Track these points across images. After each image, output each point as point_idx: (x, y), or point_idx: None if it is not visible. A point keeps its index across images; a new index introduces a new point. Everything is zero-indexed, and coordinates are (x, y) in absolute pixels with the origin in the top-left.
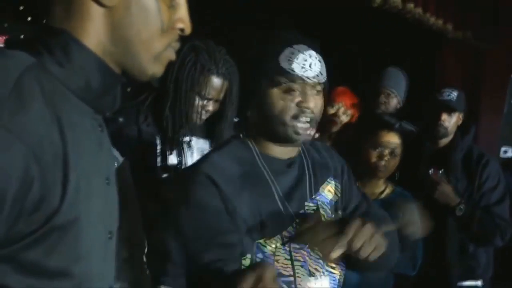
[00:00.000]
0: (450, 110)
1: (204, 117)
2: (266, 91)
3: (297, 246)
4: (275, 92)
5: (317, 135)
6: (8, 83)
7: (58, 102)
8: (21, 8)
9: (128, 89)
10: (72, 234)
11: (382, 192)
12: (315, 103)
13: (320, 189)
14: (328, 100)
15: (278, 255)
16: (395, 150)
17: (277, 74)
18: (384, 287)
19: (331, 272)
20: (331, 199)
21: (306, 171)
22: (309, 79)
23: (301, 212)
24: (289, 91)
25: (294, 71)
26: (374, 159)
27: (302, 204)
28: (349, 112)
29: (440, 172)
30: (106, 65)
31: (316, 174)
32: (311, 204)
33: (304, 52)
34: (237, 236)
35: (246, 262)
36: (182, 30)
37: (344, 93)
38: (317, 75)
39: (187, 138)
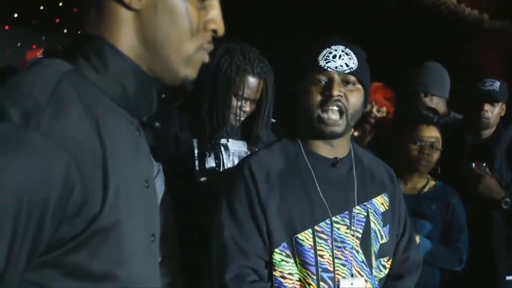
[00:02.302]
0: (493, 100)
1: (241, 118)
2: (303, 88)
3: (339, 245)
4: (307, 87)
5: (356, 133)
6: (46, 90)
7: (95, 107)
8: (57, 21)
9: (163, 95)
10: (114, 238)
11: (424, 187)
12: (339, 91)
13: (374, 199)
14: None
15: (323, 251)
16: (435, 144)
17: (314, 72)
18: (430, 282)
19: (374, 276)
20: (382, 212)
21: (354, 176)
22: (331, 69)
23: (346, 215)
24: (315, 82)
25: (320, 64)
26: (414, 154)
27: (345, 206)
28: (383, 109)
29: (483, 165)
30: (140, 69)
31: (366, 182)
32: (361, 209)
33: (332, 47)
34: (260, 237)
35: (275, 256)
36: (214, 31)
37: (376, 90)
38: (341, 66)
39: (224, 141)
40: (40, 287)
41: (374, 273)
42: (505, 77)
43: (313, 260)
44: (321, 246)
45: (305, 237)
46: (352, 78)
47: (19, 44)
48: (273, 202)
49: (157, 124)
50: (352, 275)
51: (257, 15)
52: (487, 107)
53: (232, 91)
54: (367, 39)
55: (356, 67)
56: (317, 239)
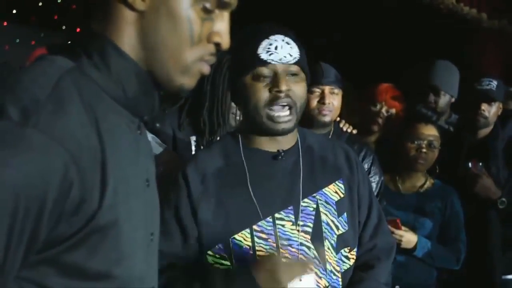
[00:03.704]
0: (490, 100)
1: (240, 117)
2: (246, 84)
3: (285, 243)
4: (252, 83)
5: (355, 131)
6: (47, 87)
7: (96, 105)
8: (56, 17)
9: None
10: (113, 236)
11: (422, 186)
12: (287, 86)
13: (325, 189)
14: (371, 98)
15: (262, 251)
16: (433, 142)
17: (256, 65)
18: (428, 281)
19: (330, 271)
20: (337, 201)
21: (301, 167)
22: (275, 61)
23: (290, 210)
24: (260, 78)
25: (261, 57)
26: (412, 152)
27: (290, 200)
28: (393, 110)
29: (480, 164)
30: (142, 70)
31: (316, 172)
32: (310, 202)
33: (271, 37)
34: (194, 237)
35: (209, 258)
36: (218, 44)
37: (386, 91)
38: (285, 56)
39: None
40: (36, 284)
41: (335, 266)
42: (503, 76)
43: (253, 260)
44: (260, 246)
45: (243, 237)
46: (295, 68)
47: (17, 41)
48: (207, 203)
49: (157, 124)
50: None
51: (259, 15)
52: (484, 106)
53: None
54: (366, 39)
55: (298, 56)
56: (255, 239)
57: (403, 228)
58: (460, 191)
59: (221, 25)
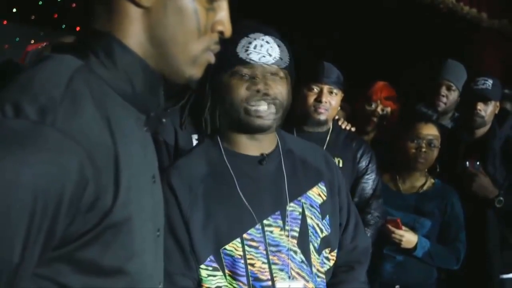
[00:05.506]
0: (486, 99)
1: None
2: (225, 83)
3: (274, 249)
4: (231, 82)
5: (353, 129)
6: (60, 86)
7: (106, 103)
8: (56, 16)
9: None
10: (125, 233)
11: (422, 186)
12: (266, 85)
13: (309, 192)
14: (366, 97)
15: (253, 259)
16: (433, 141)
17: (234, 64)
18: (428, 280)
19: (315, 273)
20: (320, 204)
21: (284, 171)
22: (254, 61)
23: (278, 215)
24: (238, 76)
25: (240, 57)
26: (412, 152)
27: (277, 205)
28: (388, 109)
29: (477, 163)
30: (148, 66)
31: (298, 175)
32: (295, 206)
33: (251, 36)
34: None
35: (202, 272)
36: (221, 33)
37: (381, 90)
38: (264, 56)
39: None
40: (52, 281)
41: (319, 268)
42: (503, 76)
43: (244, 270)
44: (251, 254)
45: (234, 247)
46: (274, 68)
47: (17, 39)
48: (197, 213)
49: (164, 120)
50: (290, 278)
51: (261, 16)
52: (480, 106)
53: None
54: (366, 38)
55: (278, 56)
56: (246, 247)
57: (403, 228)
58: (458, 190)
59: (223, 13)
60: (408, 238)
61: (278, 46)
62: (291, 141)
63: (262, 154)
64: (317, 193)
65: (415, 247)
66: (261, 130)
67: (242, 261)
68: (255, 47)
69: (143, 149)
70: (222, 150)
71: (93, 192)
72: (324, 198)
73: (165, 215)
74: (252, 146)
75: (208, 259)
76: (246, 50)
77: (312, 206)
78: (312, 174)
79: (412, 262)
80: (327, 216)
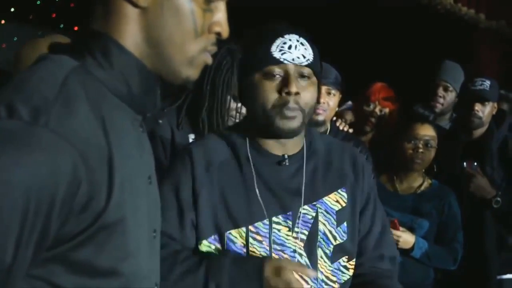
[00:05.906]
0: (483, 100)
1: (238, 120)
2: (256, 82)
3: (278, 248)
4: (262, 81)
5: (351, 130)
6: (54, 86)
7: (101, 104)
8: (54, 16)
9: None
10: (119, 233)
11: (420, 186)
12: (297, 88)
13: (326, 198)
14: (364, 98)
15: (255, 253)
16: (430, 142)
17: (267, 64)
18: (425, 281)
19: (321, 280)
20: (338, 210)
21: (304, 174)
22: (287, 61)
23: (289, 216)
24: (270, 76)
25: (274, 56)
26: (409, 152)
27: (290, 206)
28: (386, 109)
29: (475, 164)
30: (145, 67)
31: (318, 180)
32: (309, 209)
33: (286, 36)
34: (190, 220)
35: (202, 247)
36: (218, 34)
37: (379, 91)
38: (298, 57)
39: None
40: (46, 282)
41: (331, 276)
42: (501, 77)
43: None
44: (253, 247)
45: (238, 234)
46: (307, 70)
47: (15, 39)
48: (208, 191)
49: (160, 121)
50: None
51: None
52: (477, 106)
53: (231, 94)
54: (363, 40)
55: (312, 58)
56: (250, 239)
57: (400, 228)
58: (455, 191)
59: (220, 15)
60: (406, 238)
61: (312, 49)
62: (320, 141)
63: (284, 155)
64: (335, 200)
65: (412, 248)
66: (287, 136)
67: (244, 250)
68: (289, 48)
69: (138, 150)
70: (248, 143)
71: (86, 192)
72: (343, 204)
73: (176, 183)
74: (276, 146)
75: (212, 237)
76: (281, 50)
77: (327, 212)
78: (334, 178)
79: (409, 263)
80: (344, 223)
